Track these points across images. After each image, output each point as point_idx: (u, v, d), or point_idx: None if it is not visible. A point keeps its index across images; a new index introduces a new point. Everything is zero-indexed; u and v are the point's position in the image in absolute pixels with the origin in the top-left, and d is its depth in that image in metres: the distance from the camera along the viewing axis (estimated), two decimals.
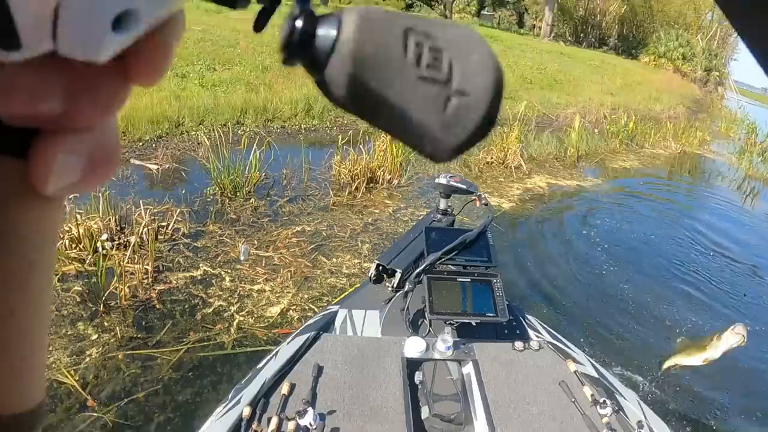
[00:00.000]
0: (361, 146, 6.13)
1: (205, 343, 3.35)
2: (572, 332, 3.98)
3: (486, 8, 42.33)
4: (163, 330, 3.42)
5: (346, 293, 2.87)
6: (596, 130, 9.98)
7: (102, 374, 3.05)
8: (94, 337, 3.34)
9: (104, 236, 4.06)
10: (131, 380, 3.04)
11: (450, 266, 2.13)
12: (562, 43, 30.26)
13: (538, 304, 4.41)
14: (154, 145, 6.74)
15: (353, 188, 5.90)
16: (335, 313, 2.22)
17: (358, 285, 2.71)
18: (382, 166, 6.23)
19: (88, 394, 2.90)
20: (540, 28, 34.73)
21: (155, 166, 6.07)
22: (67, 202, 4.21)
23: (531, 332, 2.13)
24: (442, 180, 2.53)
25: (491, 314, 1.96)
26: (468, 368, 1.88)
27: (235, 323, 3.57)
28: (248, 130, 7.60)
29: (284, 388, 1.72)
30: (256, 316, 3.68)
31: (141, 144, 6.74)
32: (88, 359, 3.15)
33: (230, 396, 1.83)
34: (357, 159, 6.06)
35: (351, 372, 1.87)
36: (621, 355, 3.97)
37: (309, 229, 4.98)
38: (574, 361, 1.97)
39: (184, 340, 3.36)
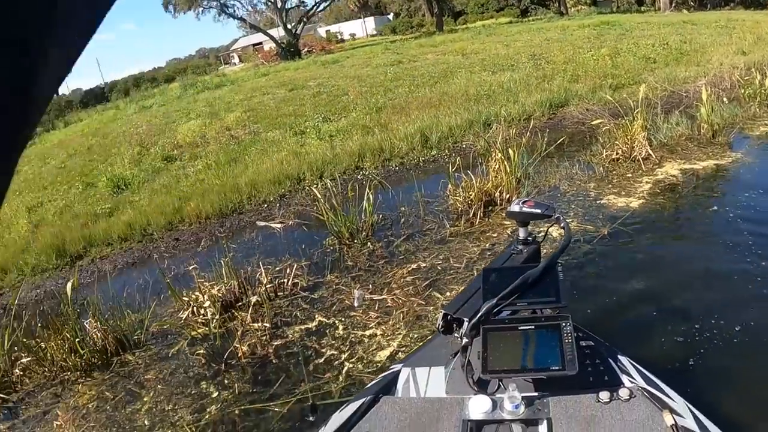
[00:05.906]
0: (474, 170, 5.94)
1: (315, 393, 3.55)
2: (689, 376, 3.05)
3: None
4: (277, 383, 3.72)
5: (413, 350, 2.69)
6: (731, 98, 8.69)
7: (219, 429, 3.39)
8: (215, 394, 3.73)
9: (210, 310, 4.49)
10: None
11: (516, 312, 1.87)
12: (684, 11, 27.53)
13: (647, 333, 3.52)
14: (278, 204, 7.30)
15: (470, 215, 5.66)
16: (398, 373, 2.01)
17: (430, 337, 2.50)
18: (498, 186, 5.90)
19: None
20: (660, 0, 32.32)
21: (279, 225, 6.58)
22: (194, 272, 4.74)
23: (623, 377, 1.79)
24: (515, 208, 2.25)
25: (556, 367, 1.66)
26: (541, 430, 1.63)
27: (344, 371, 3.72)
28: (368, 172, 7.83)
29: None
30: (365, 361, 3.79)
31: (266, 205, 7.34)
32: (208, 416, 3.53)
33: None
34: (471, 184, 5.83)
35: None
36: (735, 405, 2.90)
37: (424, 265, 4.92)
38: (672, 411, 1.62)
39: (296, 391, 3.61)
